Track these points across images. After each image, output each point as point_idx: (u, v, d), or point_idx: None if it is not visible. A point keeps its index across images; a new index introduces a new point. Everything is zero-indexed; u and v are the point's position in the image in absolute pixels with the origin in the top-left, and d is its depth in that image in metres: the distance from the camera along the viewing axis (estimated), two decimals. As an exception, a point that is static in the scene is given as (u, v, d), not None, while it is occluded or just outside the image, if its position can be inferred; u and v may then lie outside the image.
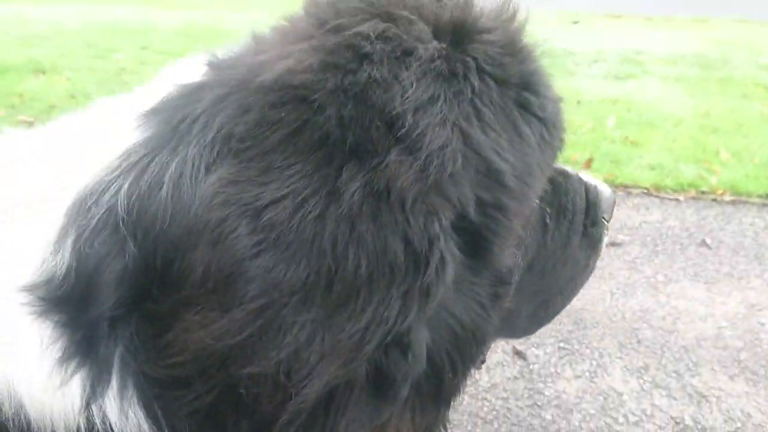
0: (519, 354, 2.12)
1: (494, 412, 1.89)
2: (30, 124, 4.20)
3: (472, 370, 0.69)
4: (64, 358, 0.51)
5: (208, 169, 0.54)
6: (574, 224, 0.78)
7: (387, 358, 0.56)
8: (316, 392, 0.53)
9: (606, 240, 0.84)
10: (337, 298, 0.52)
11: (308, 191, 0.52)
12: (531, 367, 2.07)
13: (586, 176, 0.85)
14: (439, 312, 0.60)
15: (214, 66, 0.63)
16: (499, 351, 2.13)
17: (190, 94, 0.60)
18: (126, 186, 0.54)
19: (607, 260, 2.66)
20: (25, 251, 0.54)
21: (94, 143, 0.61)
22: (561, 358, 2.12)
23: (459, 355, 0.64)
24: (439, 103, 0.56)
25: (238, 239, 0.51)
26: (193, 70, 0.64)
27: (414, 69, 0.56)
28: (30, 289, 0.52)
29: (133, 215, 0.53)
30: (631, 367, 2.06)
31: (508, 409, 1.90)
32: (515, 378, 2.02)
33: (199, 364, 0.53)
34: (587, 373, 2.04)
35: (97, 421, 0.52)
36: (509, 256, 0.63)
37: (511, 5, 0.66)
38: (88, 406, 0.51)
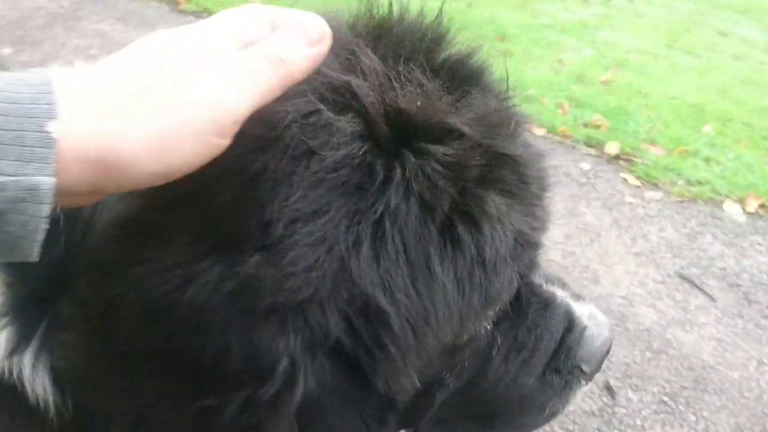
0: (609, 390, 1.91)
1: (550, 441, 1.76)
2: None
3: None
4: (1, 313, 0.58)
5: (119, 201, 0.55)
6: (528, 365, 0.64)
7: None
8: None
9: (581, 390, 0.67)
10: (185, 375, 0.52)
11: (171, 264, 0.50)
12: (616, 409, 1.86)
13: (586, 310, 0.67)
14: (317, 412, 0.56)
15: None
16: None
17: None
18: None
19: (776, 320, 2.19)
20: None
21: None
22: (657, 413, 1.86)
23: None
24: (323, 221, 0.48)
25: (111, 287, 0.52)
26: None
27: (309, 174, 0.48)
28: None
29: (67, 216, 0.57)
30: (737, 458, 1.74)
31: (567, 445, 1.76)
32: (592, 414, 1.84)
33: (71, 376, 0.58)
34: (678, 443, 1.78)
35: (15, 370, 0.59)
36: (401, 388, 0.55)
37: (506, 108, 0.52)
38: (10, 356, 0.59)
